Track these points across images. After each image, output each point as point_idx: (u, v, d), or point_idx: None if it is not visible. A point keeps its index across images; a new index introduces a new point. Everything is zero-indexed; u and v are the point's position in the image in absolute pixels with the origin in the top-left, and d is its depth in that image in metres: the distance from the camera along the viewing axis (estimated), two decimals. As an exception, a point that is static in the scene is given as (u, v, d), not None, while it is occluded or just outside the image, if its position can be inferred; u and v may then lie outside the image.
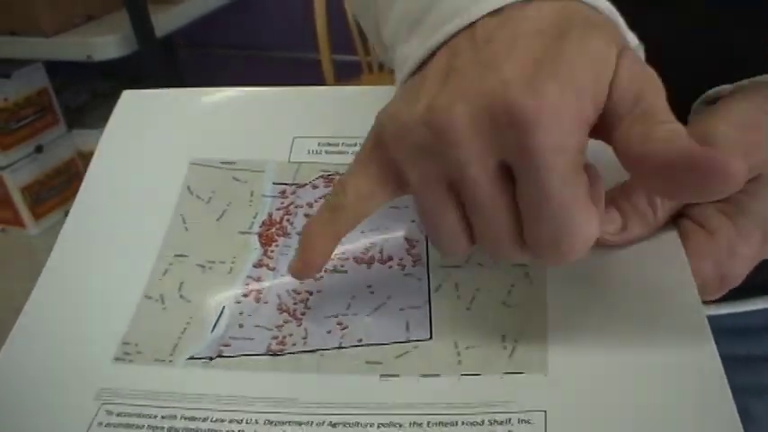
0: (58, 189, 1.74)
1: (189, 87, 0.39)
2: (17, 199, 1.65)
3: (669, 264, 0.29)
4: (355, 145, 0.35)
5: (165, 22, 1.55)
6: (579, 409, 0.26)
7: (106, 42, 1.47)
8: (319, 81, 1.80)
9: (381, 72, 1.88)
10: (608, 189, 0.30)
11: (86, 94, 1.86)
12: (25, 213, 1.67)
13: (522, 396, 0.27)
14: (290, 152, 0.36)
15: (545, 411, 0.26)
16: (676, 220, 0.30)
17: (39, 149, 1.67)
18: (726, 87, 0.31)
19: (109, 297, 0.32)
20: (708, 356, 0.26)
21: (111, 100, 0.39)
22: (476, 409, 0.26)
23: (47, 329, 0.31)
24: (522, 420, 0.26)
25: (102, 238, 0.34)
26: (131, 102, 0.38)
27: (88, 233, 0.34)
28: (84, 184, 0.35)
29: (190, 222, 0.34)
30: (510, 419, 0.26)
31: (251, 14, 2.03)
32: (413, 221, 0.33)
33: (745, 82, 0.31)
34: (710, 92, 0.32)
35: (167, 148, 0.36)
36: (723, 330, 0.35)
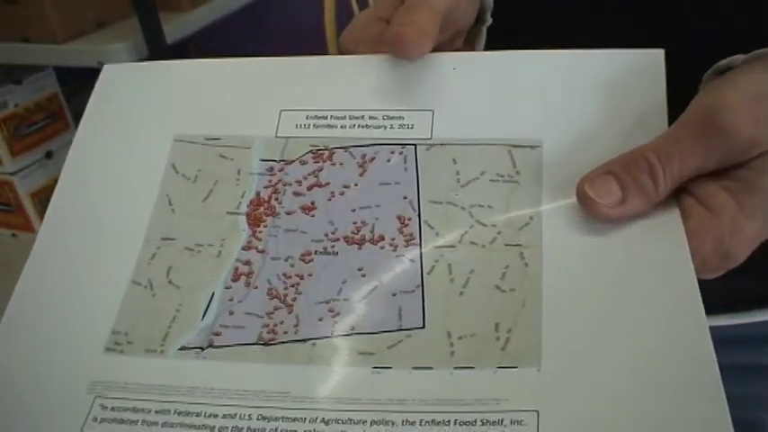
0: (68, 195, 1.74)
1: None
2: (27, 204, 1.65)
3: (667, 246, 0.28)
4: (344, 118, 0.34)
5: (175, 29, 1.55)
6: (572, 408, 0.25)
7: (117, 49, 1.47)
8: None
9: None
10: (607, 160, 0.29)
11: (97, 101, 1.87)
12: (35, 219, 1.67)
13: (515, 394, 0.26)
14: (278, 126, 0.34)
15: (537, 412, 0.25)
16: (678, 196, 0.29)
17: (49, 155, 1.67)
18: (738, 57, 0.30)
19: (96, 284, 0.31)
20: (701, 344, 0.25)
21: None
22: (468, 407, 0.26)
23: (35, 320, 0.31)
24: (514, 421, 0.25)
25: (87, 221, 0.33)
26: (113, 76, 0.37)
27: (72, 217, 0.33)
28: (66, 165, 0.35)
29: (176, 203, 0.33)
30: (502, 420, 0.25)
31: (262, 22, 2.03)
32: (405, 198, 0.32)
33: (758, 52, 0.30)
34: (722, 62, 0.31)
35: (151, 124, 0.35)
36: (734, 341, 0.34)
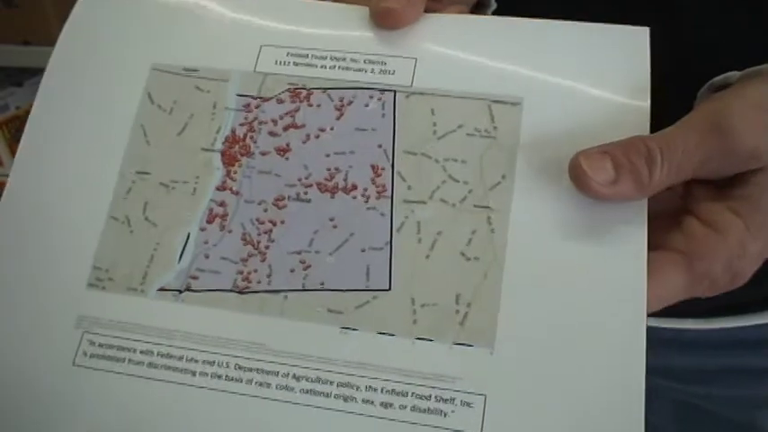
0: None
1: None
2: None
3: (626, 259, 0.29)
4: (325, 58, 0.33)
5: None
6: (519, 397, 0.28)
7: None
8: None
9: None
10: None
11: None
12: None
13: (468, 374, 0.28)
14: (257, 61, 0.33)
15: (485, 396, 0.28)
16: (683, 218, 0.30)
17: (49, 157, 1.63)
18: (733, 74, 0.29)
19: (75, 217, 0.32)
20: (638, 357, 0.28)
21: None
22: (426, 381, 0.28)
23: (16, 254, 0.32)
24: (464, 402, 0.28)
25: (61, 150, 0.33)
26: (89, 5, 0.35)
27: (46, 146, 0.33)
28: (39, 91, 0.34)
29: (151, 135, 0.33)
30: (454, 399, 0.28)
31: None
32: (380, 146, 0.32)
33: (753, 69, 0.29)
34: (717, 79, 0.30)
35: (127, 52, 0.34)
36: (732, 343, 0.36)
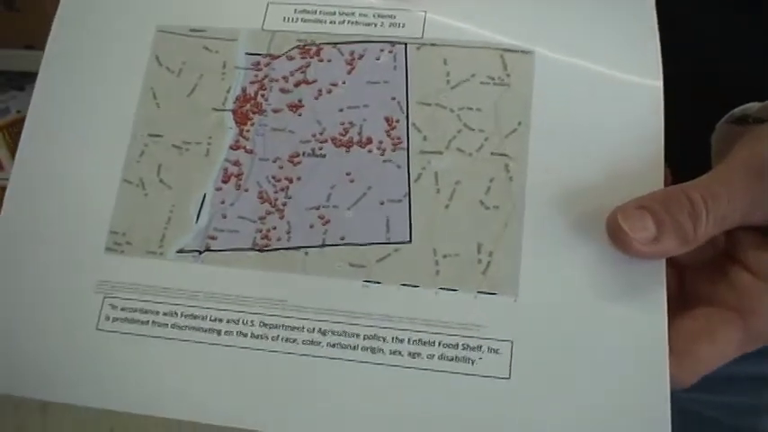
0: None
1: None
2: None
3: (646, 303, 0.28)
4: (334, 14, 0.33)
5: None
6: (545, 342, 0.28)
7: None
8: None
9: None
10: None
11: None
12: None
13: (493, 321, 0.28)
14: (264, 19, 0.33)
15: (512, 342, 0.28)
16: (725, 265, 0.29)
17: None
18: (752, 105, 0.29)
19: (88, 182, 0.32)
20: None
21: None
22: (452, 330, 0.28)
23: (31, 219, 0.31)
24: (491, 349, 0.28)
25: (71, 116, 0.33)
26: None
27: (55, 112, 0.33)
28: (45, 58, 0.33)
29: (161, 97, 0.32)
30: (480, 346, 0.28)
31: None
32: (393, 99, 0.32)
33: None
34: (735, 110, 0.29)
35: (132, 14, 0.34)
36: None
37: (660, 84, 0.30)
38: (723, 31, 0.34)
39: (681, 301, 0.29)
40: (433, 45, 0.32)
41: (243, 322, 0.30)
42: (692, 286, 0.29)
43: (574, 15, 0.32)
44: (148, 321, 0.30)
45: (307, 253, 0.30)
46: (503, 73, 0.31)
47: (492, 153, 0.31)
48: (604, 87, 0.30)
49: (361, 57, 0.32)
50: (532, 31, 0.32)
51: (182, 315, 0.30)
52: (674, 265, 0.29)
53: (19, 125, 1.59)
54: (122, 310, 0.30)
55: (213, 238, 0.31)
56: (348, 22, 0.32)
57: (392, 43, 0.32)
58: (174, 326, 0.30)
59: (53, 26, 0.34)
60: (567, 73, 0.31)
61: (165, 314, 0.30)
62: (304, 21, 0.33)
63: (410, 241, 0.30)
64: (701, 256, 0.29)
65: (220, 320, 0.30)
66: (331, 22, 0.33)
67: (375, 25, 0.32)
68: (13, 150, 1.53)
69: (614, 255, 0.28)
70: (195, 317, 0.30)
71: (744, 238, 0.29)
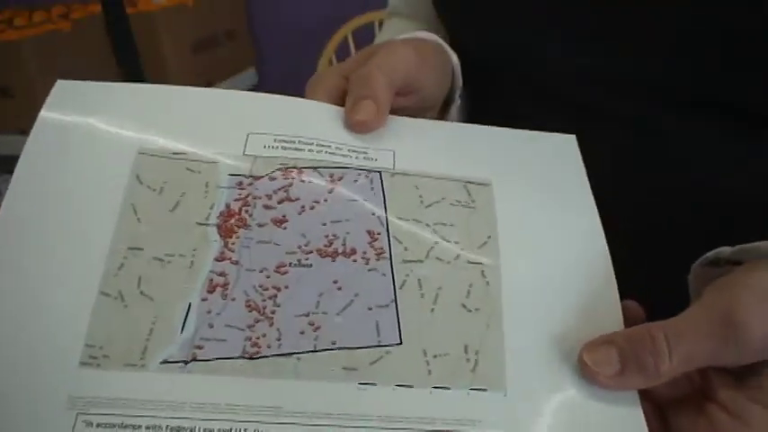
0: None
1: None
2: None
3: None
4: (312, 144, 0.35)
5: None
6: (535, 430, 0.29)
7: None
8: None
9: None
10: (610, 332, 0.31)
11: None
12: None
13: (487, 416, 0.30)
14: (245, 146, 0.35)
15: None
16: (702, 403, 0.30)
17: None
18: (724, 249, 0.32)
19: (61, 295, 0.30)
20: None
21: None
22: (449, 426, 0.29)
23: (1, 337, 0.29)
24: None
25: (44, 231, 0.31)
26: (66, 91, 0.35)
27: (27, 227, 0.31)
28: (15, 176, 0.32)
29: (141, 213, 0.32)
30: None
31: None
32: (373, 214, 0.34)
33: (746, 246, 0.31)
34: (710, 254, 0.32)
35: (112, 138, 0.34)
36: None
37: (596, 220, 0.36)
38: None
39: None
40: (404, 174, 0.35)
41: (235, 431, 0.28)
42: (674, 422, 0.31)
43: (524, 154, 0.37)
44: None
45: (299, 359, 0.30)
46: (468, 199, 0.35)
47: (468, 261, 0.33)
48: (554, 215, 0.35)
49: (340, 179, 0.34)
50: (488, 169, 0.36)
51: (167, 428, 0.28)
52: (653, 400, 0.32)
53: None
54: (98, 426, 0.28)
55: (200, 347, 0.30)
56: (325, 151, 0.35)
57: (368, 170, 0.35)
58: None
59: (25, 147, 0.33)
60: (521, 199, 0.36)
61: (147, 428, 0.28)
62: (284, 148, 0.35)
63: (401, 343, 0.31)
64: (678, 391, 0.32)
65: (211, 430, 0.28)
66: (309, 150, 0.35)
67: (350, 157, 0.35)
68: None
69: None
70: (182, 428, 0.28)
71: (716, 378, 0.30)
